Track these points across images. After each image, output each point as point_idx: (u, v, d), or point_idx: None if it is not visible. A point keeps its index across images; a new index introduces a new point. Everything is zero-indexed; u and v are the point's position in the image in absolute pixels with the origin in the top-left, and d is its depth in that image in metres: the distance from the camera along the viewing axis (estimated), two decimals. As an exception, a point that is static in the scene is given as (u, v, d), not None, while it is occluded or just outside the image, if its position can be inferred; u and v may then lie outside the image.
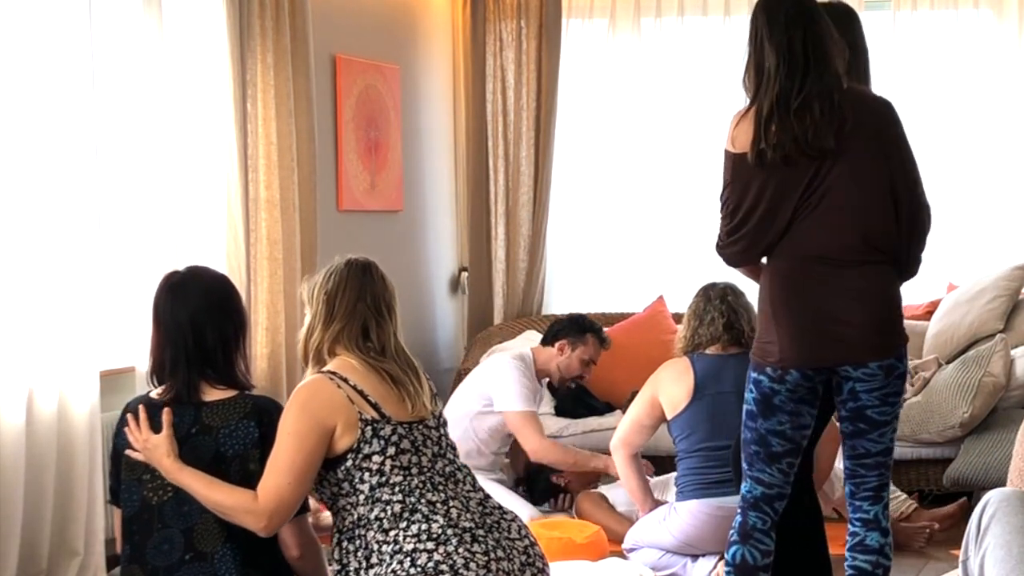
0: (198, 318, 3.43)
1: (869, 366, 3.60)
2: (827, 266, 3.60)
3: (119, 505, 3.47)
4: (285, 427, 3.32)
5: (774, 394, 3.64)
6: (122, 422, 3.49)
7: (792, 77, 3.56)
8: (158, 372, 3.48)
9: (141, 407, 3.38)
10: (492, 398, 5.66)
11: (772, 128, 3.54)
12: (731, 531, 3.78)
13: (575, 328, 5.80)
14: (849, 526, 3.77)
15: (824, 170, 3.56)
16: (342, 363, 3.45)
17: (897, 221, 3.62)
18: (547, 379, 5.88)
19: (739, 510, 3.77)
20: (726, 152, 3.66)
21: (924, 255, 3.74)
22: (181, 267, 3.63)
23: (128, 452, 3.37)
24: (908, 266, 3.70)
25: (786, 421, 3.66)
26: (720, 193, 3.69)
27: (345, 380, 3.40)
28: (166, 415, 3.34)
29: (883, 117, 3.64)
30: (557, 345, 5.78)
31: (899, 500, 5.55)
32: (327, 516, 3.68)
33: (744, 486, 3.76)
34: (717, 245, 3.72)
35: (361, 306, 3.50)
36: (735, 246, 3.67)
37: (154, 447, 3.33)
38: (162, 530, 3.37)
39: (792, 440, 3.69)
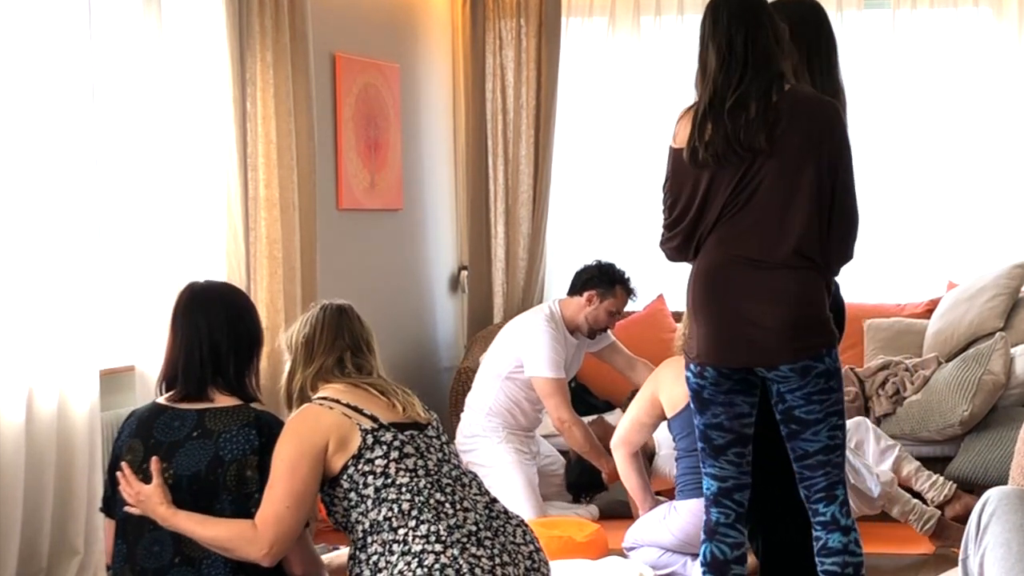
0: (215, 327, 3.50)
1: (780, 369, 3.59)
2: (747, 267, 3.60)
3: (111, 515, 3.48)
4: (278, 455, 3.37)
5: (701, 389, 3.69)
6: (122, 429, 3.53)
7: (729, 76, 3.59)
8: (169, 374, 3.53)
9: (125, 464, 3.42)
10: (523, 361, 5.71)
11: (707, 126, 3.58)
12: (700, 531, 3.80)
13: (605, 279, 5.80)
14: (813, 531, 3.75)
15: (754, 169, 3.57)
16: (329, 390, 3.53)
17: (825, 225, 3.59)
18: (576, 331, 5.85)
19: (704, 509, 3.79)
20: (669, 148, 3.71)
21: (861, 257, 3.74)
22: (202, 278, 3.71)
23: (126, 508, 3.42)
24: (827, 271, 3.67)
25: (720, 413, 3.69)
26: (661, 186, 3.74)
27: (337, 401, 3.45)
28: (154, 463, 3.38)
29: (821, 119, 3.61)
30: (586, 295, 5.79)
31: (938, 485, 5.57)
32: (337, 555, 3.70)
33: (704, 484, 3.79)
34: (660, 242, 3.78)
35: (340, 343, 3.59)
36: (672, 242, 3.72)
37: (147, 497, 3.37)
38: (153, 531, 3.40)
39: (731, 430, 3.70)
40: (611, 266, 5.87)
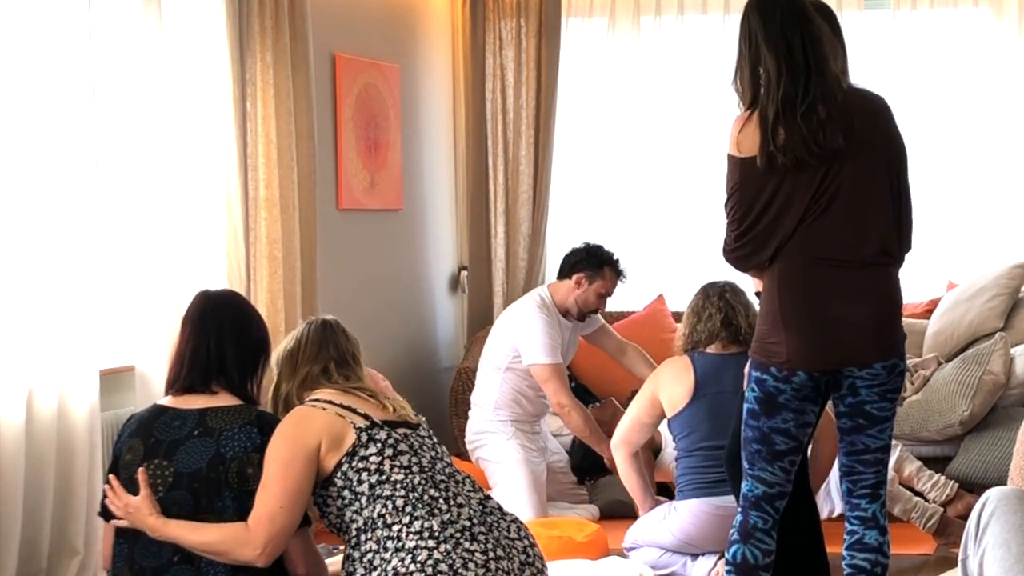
0: (224, 333, 3.55)
1: (874, 367, 3.61)
2: (835, 268, 3.60)
3: (109, 520, 3.49)
4: (271, 456, 3.38)
5: (779, 393, 3.64)
6: (122, 431, 3.56)
7: (795, 81, 3.53)
8: (176, 368, 3.56)
9: (112, 476, 3.46)
10: (519, 350, 5.72)
11: (780, 131, 3.52)
12: (732, 530, 3.78)
13: (593, 261, 5.80)
14: (847, 524, 3.77)
15: (834, 171, 3.56)
16: (320, 393, 3.55)
17: (897, 220, 3.64)
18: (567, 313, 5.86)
19: (740, 509, 3.77)
20: (731, 157, 3.63)
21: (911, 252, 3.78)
22: (211, 286, 3.77)
23: (114, 522, 3.45)
24: (901, 265, 3.73)
25: (790, 419, 3.67)
26: (725, 200, 3.66)
27: (330, 402, 3.48)
28: (141, 474, 3.40)
29: (885, 116, 3.66)
30: (574, 278, 5.80)
31: (940, 484, 5.56)
32: (337, 561, 3.72)
33: (745, 485, 3.76)
34: (724, 250, 3.71)
35: (324, 354, 3.63)
36: (744, 250, 3.65)
37: (135, 509, 3.39)
38: None
39: (796, 438, 3.70)
40: (599, 248, 5.87)
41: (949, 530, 5.34)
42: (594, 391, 6.65)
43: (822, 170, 3.55)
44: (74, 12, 4.60)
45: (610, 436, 5.48)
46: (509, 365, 5.82)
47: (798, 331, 3.61)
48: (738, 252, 3.67)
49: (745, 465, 3.76)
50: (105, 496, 3.53)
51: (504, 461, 5.72)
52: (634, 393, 5.36)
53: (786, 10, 3.58)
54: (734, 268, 3.79)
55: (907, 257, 3.76)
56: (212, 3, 5.28)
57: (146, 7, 4.96)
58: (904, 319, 6.67)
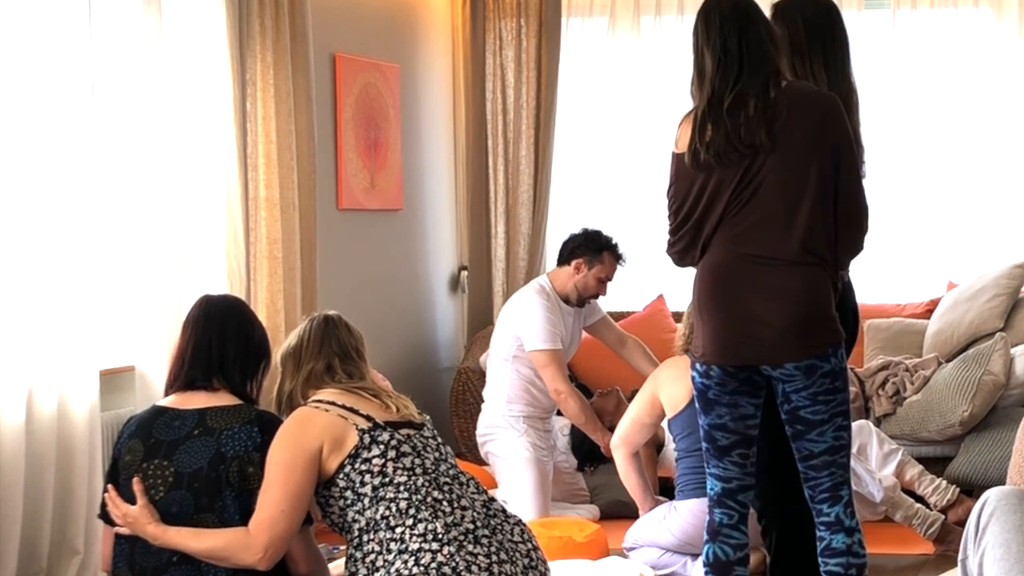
0: (226, 333, 3.57)
1: (785, 367, 3.58)
2: (753, 264, 3.60)
3: (110, 522, 3.49)
4: (273, 459, 3.38)
5: (707, 389, 3.68)
6: (122, 432, 3.56)
7: (726, 77, 3.60)
8: (177, 366, 3.57)
9: (111, 487, 3.47)
10: (521, 338, 5.72)
11: (707, 128, 3.58)
12: (704, 533, 3.80)
13: (591, 246, 5.79)
14: (816, 530, 3.75)
15: (756, 166, 3.57)
16: (322, 394, 3.55)
17: (831, 219, 3.59)
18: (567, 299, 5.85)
19: (707, 509, 3.79)
20: (672, 154, 3.71)
21: (863, 255, 3.72)
22: (214, 291, 3.78)
23: (116, 529, 3.46)
24: (836, 265, 3.66)
25: (725, 414, 3.68)
26: (666, 192, 3.73)
27: (332, 403, 3.47)
28: (136, 484, 3.40)
29: (823, 112, 3.61)
30: (573, 264, 5.79)
31: (942, 489, 5.56)
32: (337, 565, 3.72)
33: (708, 484, 3.79)
34: (666, 247, 3.77)
35: (327, 350, 3.62)
36: (678, 245, 3.72)
37: (135, 519, 3.39)
38: None
39: (736, 432, 3.70)
40: (597, 233, 5.87)
41: (950, 537, 5.33)
42: (594, 390, 6.65)
43: (744, 165, 3.57)
44: (74, 12, 4.61)
45: (613, 425, 5.48)
46: (515, 354, 5.81)
47: (712, 325, 3.64)
48: (675, 247, 3.74)
49: (705, 465, 3.78)
50: (105, 503, 3.54)
51: (512, 458, 5.71)
52: (634, 393, 5.36)
53: (727, 13, 3.66)
54: (674, 264, 3.82)
55: (854, 260, 3.71)
56: (212, 3, 5.28)
57: (146, 7, 4.96)
58: (904, 319, 6.77)
